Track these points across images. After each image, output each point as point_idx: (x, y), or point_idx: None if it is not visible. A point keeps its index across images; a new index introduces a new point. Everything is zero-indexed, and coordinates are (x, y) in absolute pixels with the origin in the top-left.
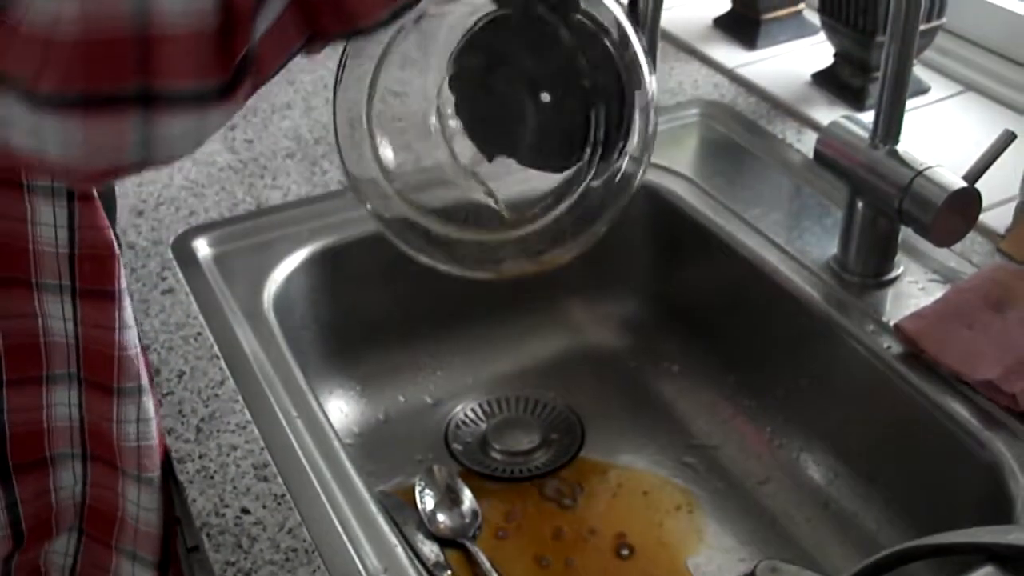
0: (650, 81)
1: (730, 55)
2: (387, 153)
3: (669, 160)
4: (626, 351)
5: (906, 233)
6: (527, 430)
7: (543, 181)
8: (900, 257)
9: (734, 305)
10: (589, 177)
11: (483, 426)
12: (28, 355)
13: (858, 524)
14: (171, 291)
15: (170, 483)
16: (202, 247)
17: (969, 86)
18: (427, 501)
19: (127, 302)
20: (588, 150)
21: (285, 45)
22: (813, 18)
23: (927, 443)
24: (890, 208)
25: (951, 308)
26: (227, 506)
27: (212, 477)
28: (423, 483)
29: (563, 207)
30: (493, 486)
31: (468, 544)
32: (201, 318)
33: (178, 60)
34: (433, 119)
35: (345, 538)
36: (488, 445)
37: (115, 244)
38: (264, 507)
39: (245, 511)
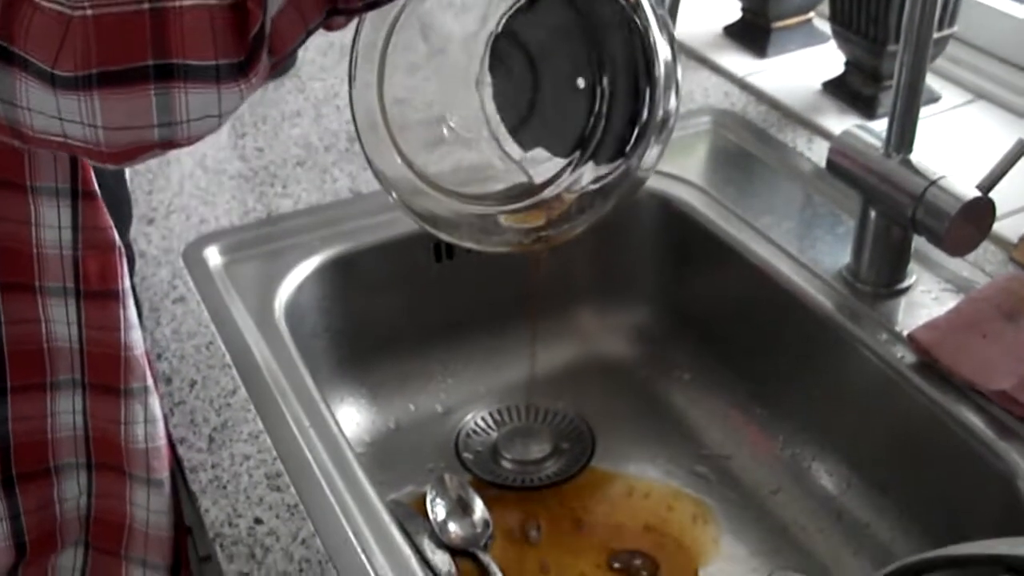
0: (672, 65)
1: (740, 63)
2: (411, 150)
3: (680, 168)
4: (637, 360)
5: (919, 242)
6: (538, 439)
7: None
8: (913, 266)
9: (745, 314)
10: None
11: (494, 435)
12: (32, 361)
13: (871, 534)
14: (182, 300)
15: (178, 488)
16: (213, 255)
17: (980, 95)
18: (438, 511)
19: (131, 301)
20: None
21: (304, 19)
22: (823, 26)
23: (941, 453)
24: (903, 218)
25: (964, 318)
26: (240, 516)
27: (225, 487)
28: (434, 492)
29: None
30: (504, 495)
31: (479, 554)
32: (212, 327)
33: (193, 35)
34: (453, 118)
35: (358, 548)
36: (499, 454)
37: (118, 243)
38: (277, 517)
39: (258, 521)
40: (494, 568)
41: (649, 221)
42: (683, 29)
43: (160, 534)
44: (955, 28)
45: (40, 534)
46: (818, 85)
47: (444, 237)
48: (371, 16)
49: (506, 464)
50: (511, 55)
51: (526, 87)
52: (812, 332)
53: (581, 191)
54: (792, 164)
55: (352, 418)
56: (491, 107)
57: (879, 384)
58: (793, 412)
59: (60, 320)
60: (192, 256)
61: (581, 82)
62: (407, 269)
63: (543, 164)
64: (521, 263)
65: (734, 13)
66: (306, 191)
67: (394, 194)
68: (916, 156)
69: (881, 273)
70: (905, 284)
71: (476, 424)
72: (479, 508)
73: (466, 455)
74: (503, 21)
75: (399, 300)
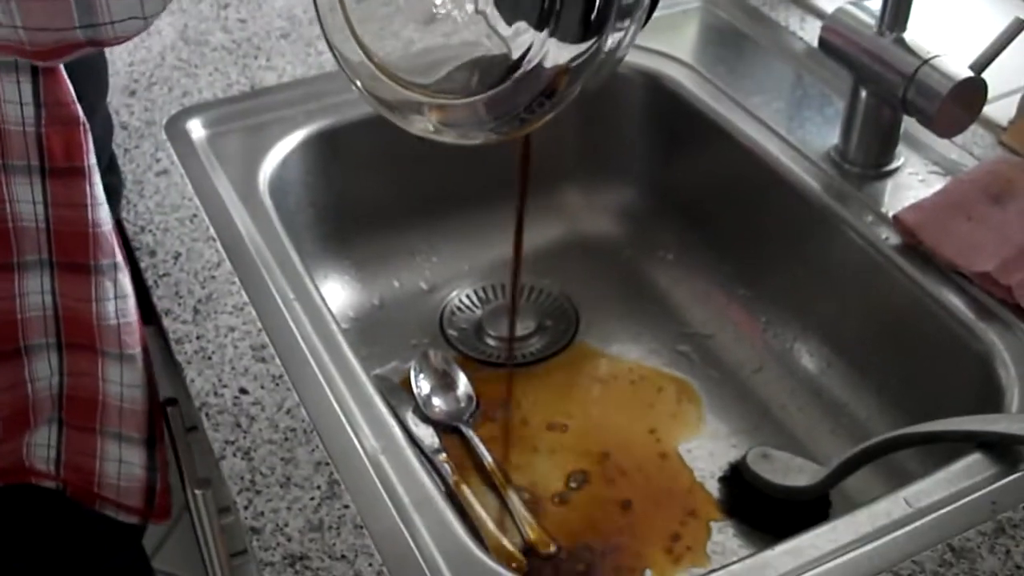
0: None
1: None
2: (371, 38)
3: (669, 46)
4: (622, 239)
5: (907, 124)
6: (522, 316)
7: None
8: (901, 148)
9: (732, 194)
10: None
11: (478, 312)
12: None
13: (849, 413)
14: (165, 172)
15: (151, 362)
16: (196, 128)
17: None
18: (423, 385)
19: (97, 178)
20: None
21: None
22: None
23: (921, 334)
24: (894, 97)
25: (951, 200)
26: (225, 386)
27: (210, 358)
28: (418, 368)
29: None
30: (488, 372)
31: (463, 428)
32: (196, 200)
33: None
34: None
35: (343, 418)
36: (483, 331)
37: (82, 118)
38: (262, 387)
39: (243, 391)
40: (477, 442)
41: (637, 99)
42: None
43: (134, 407)
44: None
45: (13, 412)
46: None
47: (416, 129)
48: None
49: (490, 341)
50: None
51: None
52: (798, 213)
53: (556, 71)
54: (784, 43)
55: (337, 294)
56: None
57: (863, 265)
58: (776, 292)
59: (26, 200)
60: (175, 129)
61: None
62: (392, 145)
63: (521, 37)
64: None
65: None
66: (290, 64)
67: (358, 83)
68: (910, 35)
69: (869, 154)
70: (893, 166)
71: (461, 301)
72: (463, 383)
73: (451, 332)
74: None
75: (384, 176)
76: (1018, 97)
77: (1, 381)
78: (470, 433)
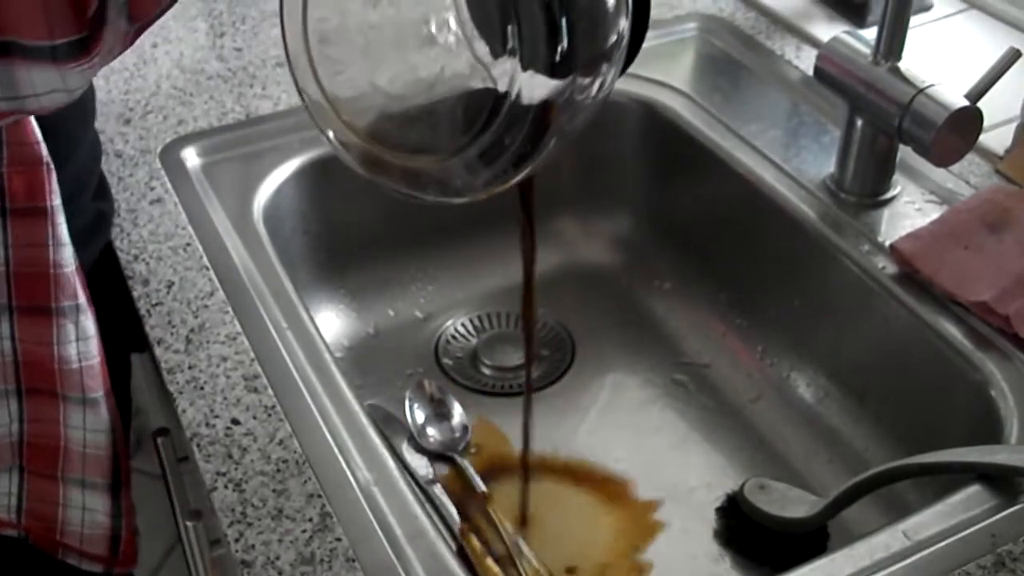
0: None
1: None
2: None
3: (665, 75)
4: (618, 268)
5: (903, 153)
6: (517, 346)
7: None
8: (897, 177)
9: (728, 223)
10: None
11: (473, 341)
12: None
13: (847, 443)
14: (159, 201)
15: (117, 405)
16: (191, 157)
17: (973, 3)
18: (417, 415)
19: (61, 218)
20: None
21: None
22: None
23: (919, 363)
24: (890, 126)
25: (947, 229)
26: (217, 416)
27: (202, 388)
28: (413, 397)
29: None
30: (483, 401)
31: (457, 458)
32: (190, 228)
33: (25, 14)
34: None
35: (336, 449)
36: (478, 360)
37: (46, 158)
38: (255, 418)
39: (235, 422)
40: (471, 472)
41: (633, 127)
42: None
43: (98, 453)
44: None
45: None
46: None
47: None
48: None
49: (485, 370)
50: None
51: None
52: (794, 242)
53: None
54: (780, 72)
55: (331, 322)
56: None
57: (860, 294)
58: (773, 322)
59: None
60: (169, 157)
61: None
62: None
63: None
64: None
65: None
66: (286, 92)
67: (331, 133)
68: (905, 64)
69: (865, 183)
70: (889, 195)
71: (456, 330)
72: (458, 413)
73: (446, 361)
74: None
75: (379, 204)
76: (1014, 126)
77: None
78: (464, 463)
